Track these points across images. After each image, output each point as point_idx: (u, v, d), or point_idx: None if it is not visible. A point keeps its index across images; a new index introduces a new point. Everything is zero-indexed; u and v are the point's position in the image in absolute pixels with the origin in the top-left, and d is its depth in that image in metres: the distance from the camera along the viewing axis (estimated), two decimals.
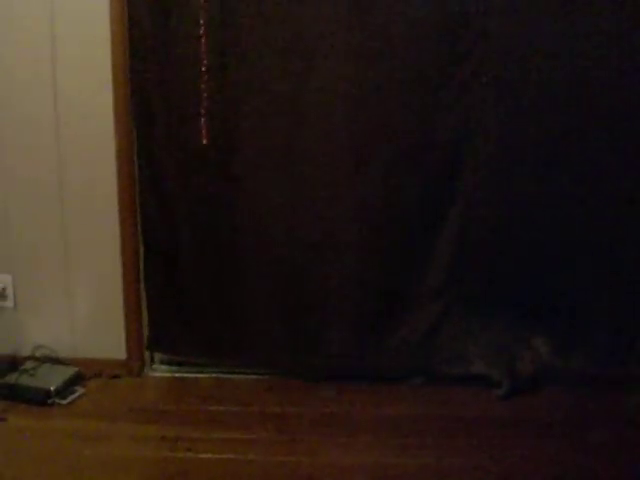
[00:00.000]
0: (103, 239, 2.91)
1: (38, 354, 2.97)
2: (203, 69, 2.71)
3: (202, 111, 2.73)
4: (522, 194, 2.79)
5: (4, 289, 2.98)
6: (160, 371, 3.05)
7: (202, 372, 3.03)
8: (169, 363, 3.08)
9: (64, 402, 2.76)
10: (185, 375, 3.03)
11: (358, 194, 2.80)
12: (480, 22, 2.66)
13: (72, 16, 2.74)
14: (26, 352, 2.98)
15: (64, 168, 2.86)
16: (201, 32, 2.67)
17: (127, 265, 2.92)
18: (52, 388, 2.77)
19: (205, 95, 2.72)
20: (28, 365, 2.91)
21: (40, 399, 2.74)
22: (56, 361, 2.96)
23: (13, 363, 2.94)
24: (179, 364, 3.07)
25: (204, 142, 2.75)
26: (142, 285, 2.97)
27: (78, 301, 2.98)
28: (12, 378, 2.81)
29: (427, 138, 2.76)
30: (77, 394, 2.82)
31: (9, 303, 3.00)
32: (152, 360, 3.07)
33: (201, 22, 2.67)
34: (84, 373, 2.93)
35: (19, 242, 2.94)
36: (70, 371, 2.89)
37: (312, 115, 2.74)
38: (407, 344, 2.91)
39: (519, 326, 2.86)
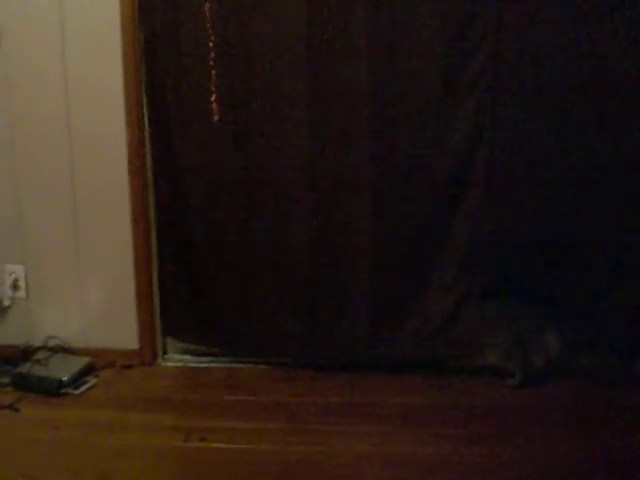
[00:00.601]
0: (115, 230, 2.90)
1: (50, 344, 2.97)
2: (210, 44, 2.70)
3: (212, 88, 2.72)
4: (539, 185, 2.77)
5: (17, 280, 2.98)
6: (173, 361, 3.05)
7: (215, 362, 3.03)
8: (182, 353, 3.07)
9: (77, 392, 2.77)
10: (198, 365, 3.02)
11: (374, 181, 2.78)
12: (494, 11, 2.64)
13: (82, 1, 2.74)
14: (38, 342, 2.98)
15: (75, 158, 2.85)
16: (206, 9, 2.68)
17: (139, 255, 2.92)
18: (65, 378, 2.77)
19: (214, 72, 2.71)
20: (40, 355, 2.91)
21: (53, 389, 2.74)
22: (68, 351, 2.96)
23: (26, 353, 2.94)
24: (191, 354, 3.06)
25: (216, 118, 2.74)
26: (154, 275, 2.97)
27: (90, 291, 2.98)
28: (25, 368, 2.82)
29: (443, 126, 2.74)
30: (89, 384, 2.82)
31: (22, 294, 3.00)
32: (164, 350, 3.06)
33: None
34: (96, 363, 2.93)
35: (31, 233, 2.94)
36: (82, 361, 2.89)
37: (329, 96, 2.74)
38: (421, 335, 2.89)
39: (534, 318, 2.85)
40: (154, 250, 2.95)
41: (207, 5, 2.67)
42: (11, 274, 2.97)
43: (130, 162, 2.82)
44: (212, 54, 2.70)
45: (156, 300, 3.00)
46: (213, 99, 2.73)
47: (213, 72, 2.72)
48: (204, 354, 3.05)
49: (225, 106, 2.76)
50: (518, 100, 2.72)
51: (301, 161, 2.78)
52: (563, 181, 2.76)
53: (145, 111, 2.82)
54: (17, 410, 2.65)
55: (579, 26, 2.64)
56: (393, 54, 2.69)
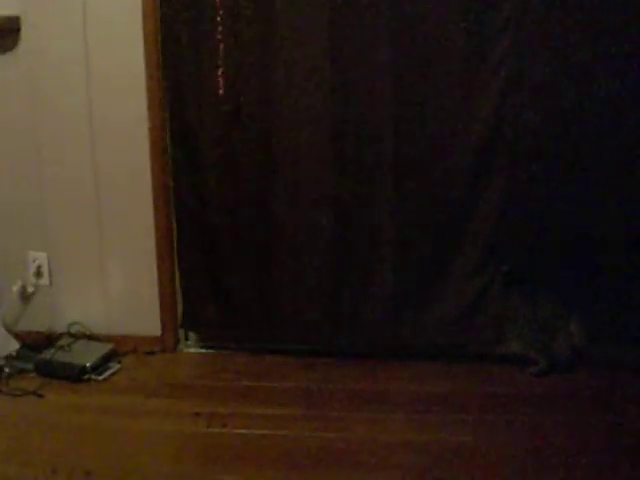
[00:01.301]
0: (136, 216, 2.91)
1: (73, 331, 2.99)
2: (218, 19, 2.69)
3: (219, 62, 2.72)
4: (564, 172, 2.73)
5: (40, 267, 3.00)
6: (194, 347, 3.06)
7: (236, 349, 3.03)
8: (203, 339, 3.08)
9: (100, 378, 2.78)
10: (219, 351, 3.03)
11: (396, 166, 2.75)
12: None
13: None
14: (62, 329, 3.00)
15: (97, 146, 2.86)
16: None
17: (160, 242, 2.92)
18: (88, 364, 2.78)
19: (222, 47, 2.71)
20: (64, 341, 2.93)
21: (76, 375, 2.76)
22: (91, 337, 2.98)
23: (49, 340, 2.96)
24: (213, 340, 3.07)
25: (220, 92, 2.74)
26: (176, 262, 2.97)
27: (113, 278, 2.99)
28: (48, 354, 2.84)
29: (466, 113, 2.71)
30: (112, 370, 2.84)
31: (45, 281, 3.02)
32: (186, 336, 3.08)
33: None
34: (119, 349, 2.95)
35: (54, 220, 2.96)
36: (105, 347, 2.91)
37: (350, 68, 2.70)
38: (444, 321, 2.88)
39: (558, 307, 2.82)
40: (176, 237, 2.96)
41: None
42: (34, 261, 2.99)
43: (153, 145, 2.82)
44: (220, 28, 2.69)
45: (178, 287, 3.00)
46: (220, 73, 2.72)
47: (221, 45, 2.70)
48: (226, 341, 3.05)
49: (241, 89, 2.75)
50: (542, 84, 2.68)
51: (321, 144, 2.75)
52: (591, 166, 2.72)
53: (166, 97, 2.81)
54: (41, 396, 2.67)
55: (605, 9, 2.59)
56: (415, 37, 2.65)
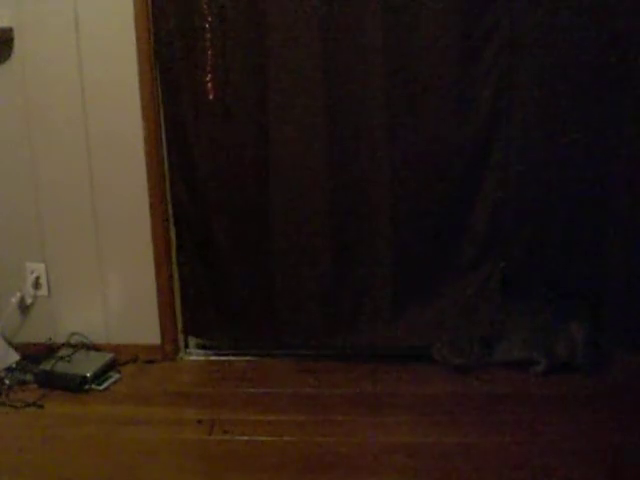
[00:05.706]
0: (134, 225, 2.91)
1: (73, 341, 2.99)
2: (206, 25, 2.69)
3: (208, 68, 2.72)
4: (561, 168, 2.73)
5: (38, 278, 3.00)
6: (195, 355, 3.05)
7: (236, 355, 3.03)
8: (203, 347, 3.08)
9: (100, 388, 2.78)
10: (220, 358, 3.03)
11: (392, 167, 2.75)
12: None
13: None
14: (61, 339, 3.00)
15: (93, 155, 2.86)
16: None
17: (159, 250, 2.92)
18: (88, 374, 2.78)
19: (210, 52, 2.71)
20: (64, 352, 2.93)
21: (76, 385, 2.75)
22: (91, 347, 2.98)
23: (49, 350, 2.96)
24: (213, 347, 3.07)
25: (210, 97, 2.74)
26: (175, 269, 2.97)
27: (111, 287, 2.99)
28: (48, 365, 2.83)
29: (460, 110, 2.71)
30: (113, 380, 2.83)
31: (43, 291, 3.01)
32: (186, 344, 3.07)
33: None
34: (119, 359, 2.94)
35: (51, 230, 2.96)
36: (105, 357, 2.91)
37: (343, 72, 2.69)
38: (442, 320, 2.87)
39: (558, 308, 2.81)
40: (174, 245, 2.95)
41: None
42: (32, 272, 2.99)
43: (148, 153, 2.81)
44: (208, 35, 2.69)
45: (177, 295, 3.00)
46: (208, 78, 2.72)
47: (209, 51, 2.71)
48: (226, 347, 3.05)
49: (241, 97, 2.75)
50: (536, 82, 2.68)
51: (316, 146, 2.75)
52: (590, 163, 2.72)
53: (160, 107, 2.81)
54: (41, 407, 2.67)
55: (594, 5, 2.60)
56: (407, 40, 2.65)
